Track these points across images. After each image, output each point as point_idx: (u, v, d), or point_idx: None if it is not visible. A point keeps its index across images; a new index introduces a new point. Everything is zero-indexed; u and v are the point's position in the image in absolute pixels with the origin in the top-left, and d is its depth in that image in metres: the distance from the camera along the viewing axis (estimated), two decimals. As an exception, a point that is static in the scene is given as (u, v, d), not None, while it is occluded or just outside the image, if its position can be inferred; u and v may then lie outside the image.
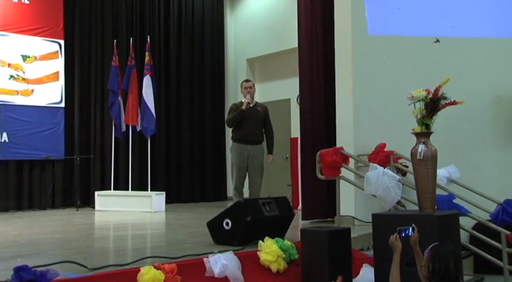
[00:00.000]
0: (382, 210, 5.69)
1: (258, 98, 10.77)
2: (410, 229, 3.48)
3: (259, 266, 4.50)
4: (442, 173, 6.09)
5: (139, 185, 10.24)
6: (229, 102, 11.10)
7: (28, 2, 9.80)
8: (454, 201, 5.54)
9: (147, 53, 9.87)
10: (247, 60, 12.09)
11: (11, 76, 9.55)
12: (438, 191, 5.06)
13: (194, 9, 11.86)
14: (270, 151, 7.20)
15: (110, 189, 9.81)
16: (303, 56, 7.34)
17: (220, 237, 5.06)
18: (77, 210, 9.31)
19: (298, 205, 7.81)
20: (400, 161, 6.61)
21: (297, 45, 7.55)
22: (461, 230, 4.92)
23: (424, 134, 4.51)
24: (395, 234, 3.46)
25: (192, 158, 11.46)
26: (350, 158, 6.35)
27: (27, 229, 6.91)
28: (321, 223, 6.56)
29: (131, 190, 9.77)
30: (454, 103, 4.55)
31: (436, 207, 4.63)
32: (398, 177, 5.71)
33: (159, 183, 10.71)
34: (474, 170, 7.05)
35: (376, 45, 6.89)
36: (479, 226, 5.76)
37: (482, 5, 6.75)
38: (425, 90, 4.50)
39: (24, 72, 9.67)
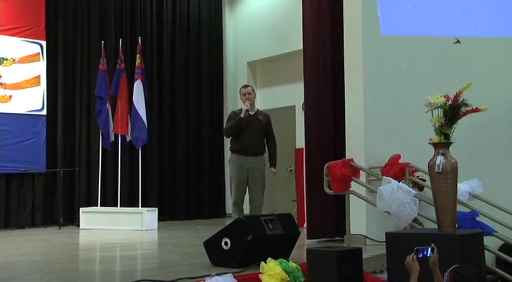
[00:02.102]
0: (396, 229, 5.66)
1: (260, 105, 10.82)
2: (429, 249, 3.46)
3: (261, 290, 4.47)
4: (463, 187, 6.07)
5: (129, 201, 10.21)
6: (228, 110, 11.10)
7: (5, -1, 9.80)
8: (477, 218, 5.51)
9: (138, 56, 9.87)
10: (248, 64, 12.10)
11: (-13, 81, 9.57)
12: (459, 208, 5.03)
13: (190, 7, 11.89)
14: (273, 164, 7.20)
15: (97, 206, 9.77)
16: (308, 59, 7.34)
17: (218, 258, 5.04)
18: (60, 228, 9.27)
19: (304, 223, 7.77)
20: (416, 174, 6.59)
21: (302, 47, 7.55)
22: (485, 251, 4.88)
23: (443, 145, 4.50)
24: (412, 254, 3.44)
25: (188, 171, 11.43)
26: (361, 171, 6.33)
27: (3, 250, 6.88)
28: (329, 243, 6.54)
29: (120, 206, 9.74)
30: (476, 110, 4.54)
31: (457, 225, 4.61)
32: (414, 192, 5.69)
33: (151, 198, 10.67)
34: (499, 184, 7.02)
35: (390, 46, 6.90)
36: (506, 247, 5.72)
37: (507, 1, 6.74)
38: (444, 96, 4.49)
39: (1, 77, 9.65)
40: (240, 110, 7.16)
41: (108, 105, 9.69)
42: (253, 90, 7.26)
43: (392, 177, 5.87)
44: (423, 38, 6.93)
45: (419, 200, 5.72)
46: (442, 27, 6.86)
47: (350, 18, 6.95)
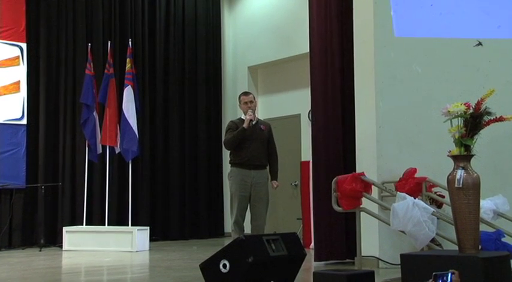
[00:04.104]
0: (412, 250, 5.65)
1: (262, 113, 10.83)
2: (450, 275, 3.43)
3: (263, 318, 4.45)
4: (486, 204, 6.05)
5: (118, 219, 10.19)
6: (227, 119, 11.10)
7: (-20, -3, 9.80)
8: (502, 239, 5.49)
9: (128, 60, 9.88)
10: (249, 69, 12.12)
11: (-38, 87, 9.59)
12: (482, 227, 5.01)
13: (185, 6, 11.92)
14: (275, 176, 7.16)
15: (82, 225, 9.75)
16: (315, 63, 7.34)
17: (216, 282, 5.01)
18: (40, 250, 9.24)
19: (311, 243, 7.75)
20: (434, 189, 6.58)
21: (308, 51, 7.56)
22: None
23: (463, 157, 4.48)
24: (431, 280, 3.41)
25: (183, 186, 11.41)
26: (373, 186, 6.32)
27: (-22, 274, 6.86)
28: (338, 265, 6.53)
29: (108, 225, 9.71)
30: (500, 119, 4.53)
31: (480, 246, 4.58)
32: (432, 209, 5.68)
33: (142, 216, 10.67)
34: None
35: (404, 49, 6.90)
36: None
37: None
38: (465, 104, 4.48)
39: (-23, 83, 9.69)
40: (240, 119, 7.15)
41: (95, 113, 9.68)
42: (254, 98, 7.25)
43: (407, 193, 5.87)
44: (441, 40, 6.93)
45: (438, 219, 5.71)
46: (462, 28, 6.86)
47: (361, 18, 6.96)
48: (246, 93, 7.35)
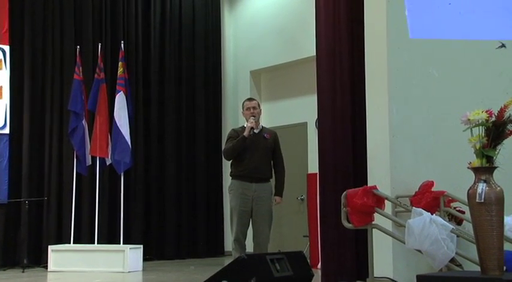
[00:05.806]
0: (430, 271, 5.62)
1: (265, 121, 10.80)
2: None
3: None
4: (511, 221, 6.01)
5: (109, 237, 10.20)
6: (227, 127, 11.11)
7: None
8: (529, 259, 5.45)
9: (120, 64, 9.91)
10: (251, 73, 12.13)
11: None
12: (507, 246, 4.97)
13: (182, 6, 11.95)
14: (279, 192, 7.16)
15: (69, 243, 9.74)
16: (322, 67, 7.34)
17: (215, 306, 4.99)
18: (23, 271, 9.21)
19: (318, 262, 7.72)
20: (453, 204, 6.56)
21: (314, 54, 7.55)
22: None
23: (485, 170, 4.45)
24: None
25: (179, 200, 11.41)
26: (386, 201, 6.28)
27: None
28: (349, 287, 6.50)
29: (97, 243, 9.71)
30: (525, 128, 4.50)
31: (504, 267, 4.54)
32: (451, 226, 5.65)
33: (135, 234, 10.66)
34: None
35: (420, 52, 6.89)
36: None
37: None
38: (486, 112, 4.45)
39: (-44, 88, 9.71)
40: (242, 127, 7.15)
41: (84, 122, 9.69)
42: (259, 105, 7.27)
43: (424, 209, 5.84)
44: (460, 41, 6.92)
45: (458, 237, 5.68)
46: (484, 28, 6.84)
47: (372, 18, 6.95)
48: (249, 99, 7.41)
